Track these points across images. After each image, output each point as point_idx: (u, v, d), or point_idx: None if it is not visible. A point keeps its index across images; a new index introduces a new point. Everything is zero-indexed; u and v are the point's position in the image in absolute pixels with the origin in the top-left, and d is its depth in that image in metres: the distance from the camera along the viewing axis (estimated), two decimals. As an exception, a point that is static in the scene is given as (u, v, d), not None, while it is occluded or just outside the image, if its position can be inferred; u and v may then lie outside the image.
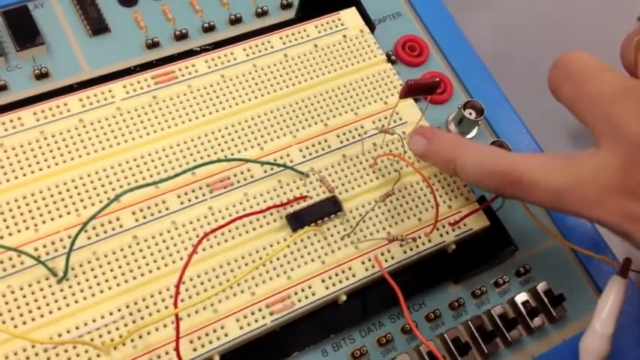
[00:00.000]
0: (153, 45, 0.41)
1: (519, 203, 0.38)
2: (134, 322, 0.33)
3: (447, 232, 0.38)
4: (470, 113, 0.42)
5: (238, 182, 0.37)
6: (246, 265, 0.35)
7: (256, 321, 0.34)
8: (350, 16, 0.43)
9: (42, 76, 0.39)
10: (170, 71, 0.39)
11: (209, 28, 0.42)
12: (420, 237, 0.37)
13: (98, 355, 0.32)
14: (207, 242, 0.35)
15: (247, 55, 0.40)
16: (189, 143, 0.37)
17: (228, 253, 0.35)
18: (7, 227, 0.34)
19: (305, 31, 0.42)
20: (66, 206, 0.34)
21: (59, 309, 0.32)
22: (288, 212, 0.36)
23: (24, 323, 0.32)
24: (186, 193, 0.36)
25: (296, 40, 0.41)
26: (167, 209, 0.35)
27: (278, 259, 0.35)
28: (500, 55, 0.51)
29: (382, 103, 0.41)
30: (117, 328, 0.33)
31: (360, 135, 0.39)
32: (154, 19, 0.42)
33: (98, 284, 0.33)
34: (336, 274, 0.36)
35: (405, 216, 0.38)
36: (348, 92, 0.40)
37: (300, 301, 0.35)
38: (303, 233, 0.35)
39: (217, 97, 0.38)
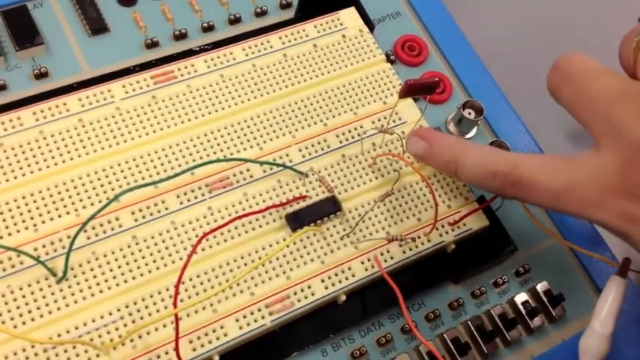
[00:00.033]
0: (152, 45, 0.41)
1: (519, 203, 0.38)
2: (134, 322, 0.33)
3: (447, 232, 0.38)
4: (469, 113, 0.42)
5: (238, 182, 0.37)
6: (245, 265, 0.35)
7: (256, 321, 0.34)
8: (349, 15, 0.43)
9: (41, 75, 0.39)
10: (169, 71, 0.39)
11: (208, 28, 0.42)
12: (419, 237, 0.37)
13: (98, 355, 0.32)
14: (207, 242, 0.35)
15: (246, 55, 0.40)
16: (189, 143, 0.37)
17: (227, 253, 0.35)
18: (7, 227, 0.33)
19: (304, 30, 0.42)
20: (65, 206, 0.34)
21: (59, 309, 0.32)
22: (288, 212, 0.36)
23: (23, 323, 0.32)
24: (185, 193, 0.36)
25: (295, 40, 0.41)
26: (166, 209, 0.35)
27: (277, 259, 0.35)
28: (500, 54, 0.51)
29: (381, 103, 0.41)
30: (116, 328, 0.33)
31: (359, 135, 0.39)
32: (153, 19, 0.42)
33: (98, 284, 0.33)
34: (336, 274, 0.36)
35: (405, 216, 0.38)
36: (348, 92, 0.40)
37: (299, 301, 0.35)
38: (302, 233, 0.35)
39: (216, 97, 0.38)
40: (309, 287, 0.35)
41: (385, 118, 0.40)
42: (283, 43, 0.41)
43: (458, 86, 0.45)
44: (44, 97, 0.37)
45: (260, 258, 0.35)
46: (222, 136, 0.38)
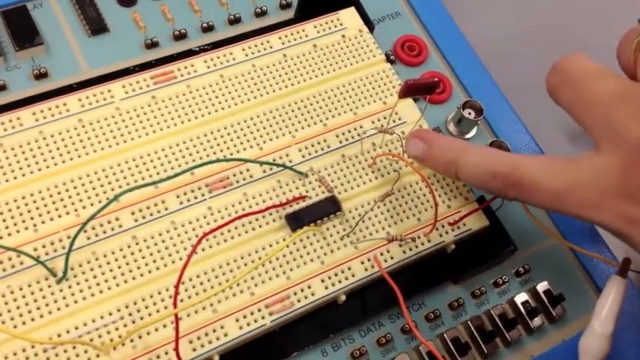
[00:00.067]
0: (152, 45, 0.41)
1: (519, 203, 0.38)
2: (134, 322, 0.33)
3: (447, 232, 0.38)
4: (469, 113, 0.42)
5: (237, 182, 0.37)
6: (245, 265, 0.35)
7: (256, 321, 0.34)
8: (349, 15, 0.43)
9: (41, 76, 0.39)
10: (169, 71, 0.39)
11: (208, 28, 0.42)
12: (419, 237, 0.37)
13: (98, 356, 0.32)
14: (207, 242, 0.35)
15: (246, 55, 0.40)
16: (189, 143, 0.37)
17: (227, 253, 0.35)
18: (7, 227, 0.33)
19: (304, 31, 0.42)
20: (65, 206, 0.34)
21: (59, 309, 0.32)
22: (288, 212, 0.36)
23: (23, 323, 0.32)
24: (185, 193, 0.36)
25: (295, 40, 0.41)
26: (166, 209, 0.35)
27: (277, 259, 0.35)
28: (500, 54, 0.51)
29: (381, 103, 0.41)
30: (116, 329, 0.33)
31: (359, 135, 0.39)
32: (153, 19, 0.42)
33: (97, 284, 0.33)
34: (336, 274, 0.36)
35: (405, 216, 0.38)
36: (347, 92, 0.40)
37: (299, 301, 0.35)
38: (302, 233, 0.35)
39: (216, 97, 0.38)
40: (309, 287, 0.35)
41: (385, 118, 0.40)
42: (283, 44, 0.41)
43: (458, 86, 0.45)
44: (44, 98, 0.37)
45: (260, 258, 0.35)
46: (222, 136, 0.38)
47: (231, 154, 0.37)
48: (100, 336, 0.32)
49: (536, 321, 0.38)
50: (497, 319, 0.38)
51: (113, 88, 0.38)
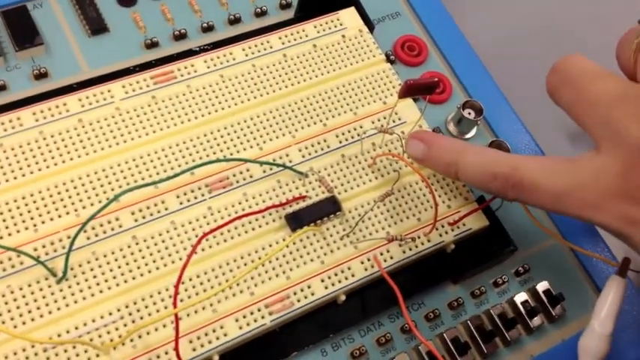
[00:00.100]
0: (152, 45, 0.41)
1: (518, 203, 0.38)
2: (133, 322, 0.33)
3: (446, 232, 0.38)
4: (469, 113, 0.42)
5: (237, 182, 0.37)
6: (245, 265, 0.35)
7: (255, 321, 0.34)
8: (349, 16, 0.43)
9: (41, 76, 0.39)
10: (169, 71, 0.39)
11: (208, 28, 0.42)
12: (419, 237, 0.37)
13: (98, 355, 0.32)
14: (207, 242, 0.35)
15: (246, 55, 0.40)
16: (189, 143, 0.37)
17: (227, 253, 0.35)
18: (7, 227, 0.34)
19: (304, 31, 0.42)
20: (65, 206, 0.34)
21: (59, 309, 0.32)
22: (288, 212, 0.36)
23: (23, 323, 0.32)
24: (185, 193, 0.36)
25: (295, 40, 0.41)
26: (166, 209, 0.35)
27: (277, 259, 0.35)
28: (500, 54, 0.51)
29: (381, 103, 0.41)
30: (116, 328, 0.33)
31: (359, 135, 0.39)
32: (153, 19, 0.42)
33: (97, 284, 0.33)
34: (336, 274, 0.36)
35: (404, 216, 0.38)
36: (347, 92, 0.40)
37: (299, 300, 0.35)
38: (302, 233, 0.35)
39: (216, 97, 0.39)
40: (308, 287, 0.35)
41: (385, 118, 0.40)
42: (283, 44, 0.41)
43: (457, 86, 0.45)
44: (44, 98, 0.37)
45: (260, 258, 0.35)
46: (221, 136, 0.38)
47: (231, 154, 0.37)
48: (99, 336, 0.32)
49: (536, 321, 0.38)
50: (496, 319, 0.38)
51: (113, 88, 0.38)
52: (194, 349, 0.33)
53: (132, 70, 0.39)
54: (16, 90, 0.38)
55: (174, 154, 0.37)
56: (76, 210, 0.34)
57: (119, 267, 0.34)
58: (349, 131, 0.39)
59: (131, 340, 0.32)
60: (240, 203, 0.36)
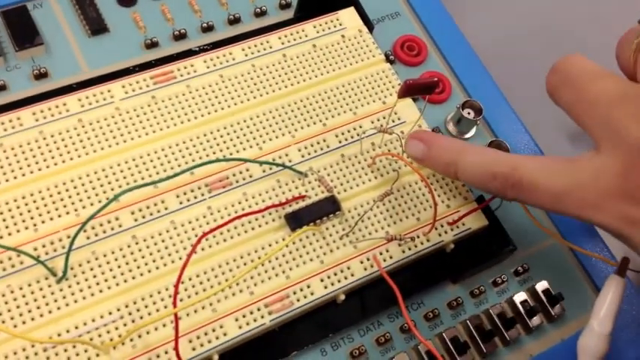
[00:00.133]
0: (152, 45, 0.41)
1: (518, 203, 0.38)
2: (133, 321, 0.33)
3: (446, 232, 0.38)
4: (468, 113, 0.42)
5: (237, 182, 0.37)
6: (244, 264, 0.35)
7: (255, 320, 0.34)
8: (348, 16, 0.43)
9: (41, 76, 0.39)
10: (169, 71, 0.39)
11: (208, 28, 0.42)
12: (418, 236, 0.37)
13: (97, 355, 0.32)
14: (206, 242, 0.35)
15: (246, 55, 0.40)
16: (188, 143, 0.37)
17: (227, 253, 0.35)
18: (7, 227, 0.34)
19: (303, 31, 0.42)
20: (65, 206, 0.34)
21: (58, 309, 0.33)
22: (287, 212, 0.36)
23: (23, 323, 0.32)
24: (185, 193, 0.36)
25: (294, 40, 0.41)
26: (166, 209, 0.35)
27: (277, 258, 0.35)
28: (499, 54, 0.51)
29: (381, 103, 0.41)
30: (116, 328, 0.33)
31: (358, 135, 0.39)
32: (152, 19, 0.42)
33: (97, 284, 0.33)
34: (335, 274, 0.36)
35: (404, 215, 0.38)
36: (347, 92, 0.40)
37: (298, 300, 0.35)
38: (301, 233, 0.35)
39: (216, 97, 0.39)
40: (308, 287, 0.35)
41: (384, 117, 0.40)
42: (282, 44, 0.41)
43: (457, 86, 0.45)
44: (44, 98, 0.37)
45: (259, 257, 0.35)
46: (221, 136, 0.38)
47: (231, 154, 0.37)
48: (99, 335, 0.32)
49: (535, 320, 0.38)
50: (496, 319, 0.38)
51: (113, 88, 0.38)
52: (194, 349, 0.33)
53: (132, 70, 0.39)
54: (16, 90, 0.38)
55: (174, 153, 0.37)
56: (75, 210, 0.35)
57: (119, 267, 0.34)
58: (349, 131, 0.39)
59: (131, 340, 0.32)
60: (239, 203, 0.36)
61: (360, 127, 0.40)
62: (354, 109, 0.40)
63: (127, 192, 0.33)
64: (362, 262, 0.36)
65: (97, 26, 0.41)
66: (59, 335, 0.32)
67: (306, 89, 0.40)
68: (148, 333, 0.33)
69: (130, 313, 0.33)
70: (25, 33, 0.39)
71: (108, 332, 0.32)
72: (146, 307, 0.33)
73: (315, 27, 0.42)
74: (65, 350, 0.31)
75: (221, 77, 0.39)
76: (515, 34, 0.60)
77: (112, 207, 0.35)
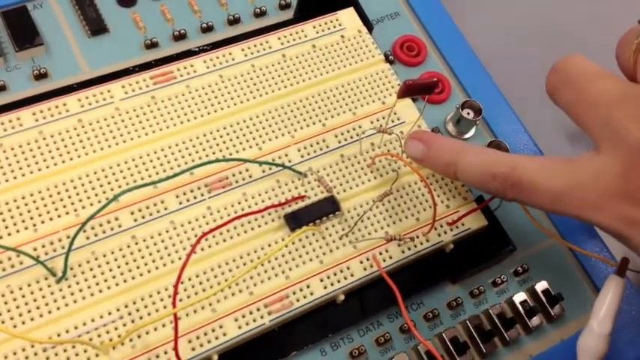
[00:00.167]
0: (151, 45, 0.41)
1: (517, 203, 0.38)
2: (133, 321, 0.33)
3: (445, 232, 0.38)
4: (468, 113, 0.42)
5: (237, 182, 0.37)
6: (244, 264, 0.35)
7: (254, 320, 0.34)
8: (348, 16, 0.43)
9: (41, 76, 0.39)
10: (168, 71, 0.39)
11: (207, 29, 0.42)
12: (417, 237, 0.37)
13: (97, 355, 0.32)
14: (206, 242, 0.35)
15: (245, 56, 0.40)
16: (188, 143, 0.37)
17: (226, 253, 0.35)
18: (7, 227, 0.34)
19: (303, 31, 0.42)
20: (65, 206, 0.34)
21: (58, 309, 0.33)
22: (287, 212, 0.36)
23: (23, 323, 0.32)
24: (184, 193, 0.36)
25: (294, 40, 0.41)
26: (166, 209, 0.35)
27: (276, 258, 0.35)
28: (499, 54, 0.51)
29: (380, 103, 0.41)
30: (116, 328, 0.33)
31: (358, 135, 0.39)
32: (152, 20, 0.42)
33: (97, 284, 0.33)
34: (335, 274, 0.36)
35: (403, 216, 0.38)
36: (346, 92, 0.40)
37: (298, 300, 0.35)
38: (301, 233, 0.35)
39: (216, 98, 0.39)
40: (307, 287, 0.35)
41: (384, 118, 0.40)
42: (282, 44, 0.41)
43: (457, 86, 0.45)
44: (44, 98, 0.37)
45: (259, 258, 0.35)
46: (221, 137, 0.38)
47: (231, 154, 0.37)
48: (99, 335, 0.32)
49: (535, 320, 0.38)
50: (495, 319, 0.38)
51: (113, 88, 0.38)
52: (193, 349, 0.33)
53: (131, 71, 0.39)
54: (16, 90, 0.38)
55: (174, 154, 0.37)
56: (75, 210, 0.35)
57: (118, 267, 0.34)
58: (348, 131, 0.39)
59: (130, 340, 0.32)
60: (239, 203, 0.36)
61: (360, 127, 0.40)
62: (354, 109, 0.40)
63: (127, 192, 0.33)
64: (361, 262, 0.36)
65: (96, 26, 0.41)
66: (59, 335, 0.32)
67: (305, 89, 0.40)
68: (147, 333, 0.33)
69: (129, 314, 0.33)
70: (25, 33, 0.39)
71: (107, 332, 0.32)
72: (146, 307, 0.33)
73: (314, 27, 0.42)
74: (65, 350, 0.31)
75: (221, 77, 0.39)
76: (514, 34, 0.60)
77: (111, 207, 0.35)
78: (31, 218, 0.34)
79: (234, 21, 0.43)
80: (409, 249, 0.37)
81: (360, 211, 0.37)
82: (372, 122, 0.40)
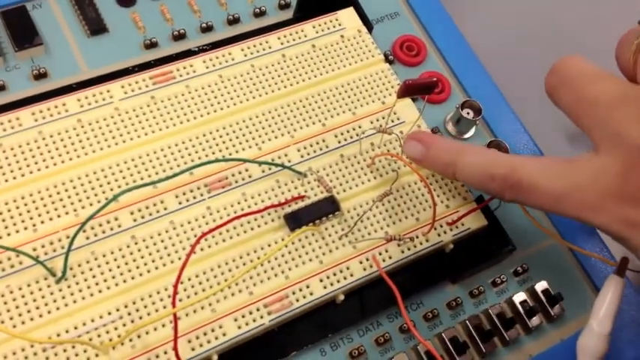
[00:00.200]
0: (151, 45, 0.41)
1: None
2: (132, 321, 0.33)
3: (445, 232, 0.38)
4: (467, 113, 0.42)
5: (236, 182, 0.37)
6: (244, 264, 0.35)
7: (254, 320, 0.34)
8: (348, 16, 0.43)
9: (40, 76, 0.39)
10: (168, 71, 0.39)
11: (207, 29, 0.42)
12: (417, 237, 0.37)
13: (97, 355, 0.32)
14: (205, 242, 0.35)
15: (245, 56, 0.40)
16: (187, 143, 0.37)
17: (226, 253, 0.35)
18: (6, 227, 0.34)
19: (303, 31, 0.42)
20: (64, 206, 0.34)
21: (58, 309, 0.33)
22: (286, 212, 0.36)
23: (23, 323, 0.32)
24: (184, 193, 0.36)
25: (294, 40, 0.41)
26: (165, 209, 0.35)
27: (276, 258, 0.35)
28: (499, 54, 0.51)
29: (380, 103, 0.41)
30: (115, 328, 0.33)
31: (357, 135, 0.39)
32: (152, 20, 0.42)
33: (97, 284, 0.33)
34: (334, 274, 0.36)
35: (403, 216, 0.38)
36: (346, 92, 0.40)
37: (298, 300, 0.35)
38: (300, 233, 0.35)
39: (215, 98, 0.39)
40: (307, 287, 0.35)
41: (384, 118, 0.40)
42: (282, 44, 0.41)
43: (456, 86, 0.45)
44: (43, 98, 0.37)
45: (259, 258, 0.35)
46: (220, 137, 0.38)
47: (230, 154, 0.37)
48: (99, 335, 0.32)
49: (535, 320, 0.38)
50: (495, 319, 0.38)
51: (112, 88, 0.38)
52: (193, 349, 0.33)
53: (131, 71, 0.39)
54: (16, 90, 0.38)
55: (173, 154, 0.37)
56: (75, 210, 0.35)
57: (118, 267, 0.34)
58: (348, 131, 0.39)
59: (130, 340, 0.32)
60: (239, 203, 0.36)
61: (360, 127, 0.40)
62: (354, 109, 0.40)
63: (127, 192, 0.33)
64: (361, 263, 0.36)
65: (96, 26, 0.41)
66: (58, 335, 0.32)
67: (305, 89, 0.40)
68: (147, 333, 0.33)
69: (129, 314, 0.33)
70: (25, 33, 0.39)
71: (107, 332, 0.32)
72: (145, 307, 0.33)
73: (314, 27, 0.42)
74: (64, 350, 0.31)
75: (220, 77, 0.39)
76: (514, 35, 0.60)
77: (111, 207, 0.35)
78: (31, 218, 0.34)
79: (233, 21, 0.43)
80: (409, 249, 0.37)
81: (360, 211, 0.37)
82: (371, 122, 0.40)
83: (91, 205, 0.35)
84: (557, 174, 0.32)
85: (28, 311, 0.32)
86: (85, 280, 0.33)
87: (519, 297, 0.38)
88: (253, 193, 0.37)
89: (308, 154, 0.38)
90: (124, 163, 0.36)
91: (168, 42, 0.42)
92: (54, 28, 0.40)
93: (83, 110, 0.37)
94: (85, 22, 0.41)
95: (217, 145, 0.37)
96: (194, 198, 0.36)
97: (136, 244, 0.34)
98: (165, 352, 0.32)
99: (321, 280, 0.35)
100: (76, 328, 0.32)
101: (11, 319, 0.32)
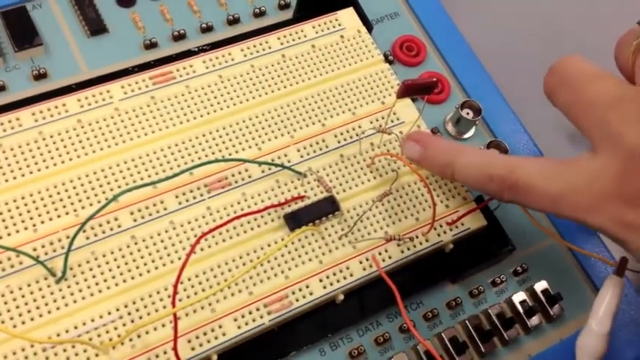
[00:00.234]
0: (151, 45, 0.41)
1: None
2: (132, 321, 0.33)
3: (445, 232, 0.38)
4: (467, 113, 0.42)
5: (236, 182, 0.37)
6: (243, 264, 0.35)
7: (254, 320, 0.34)
8: (347, 16, 0.43)
9: (40, 76, 0.39)
10: (168, 72, 0.39)
11: (207, 29, 0.42)
12: (417, 236, 0.37)
13: (97, 355, 0.32)
14: (205, 242, 0.35)
15: (245, 56, 0.40)
16: (187, 143, 0.37)
17: (225, 253, 0.35)
18: (6, 227, 0.34)
19: (302, 31, 0.42)
20: (64, 206, 0.35)
21: (58, 309, 0.33)
22: (286, 212, 0.36)
23: (23, 323, 0.32)
24: (184, 193, 0.36)
25: (293, 40, 0.41)
26: (165, 209, 0.35)
27: (276, 258, 0.35)
28: (498, 54, 0.51)
29: (380, 103, 0.41)
30: (115, 328, 0.33)
31: (357, 135, 0.39)
32: (152, 20, 0.42)
33: (97, 284, 0.33)
34: (334, 274, 0.36)
35: (403, 216, 0.38)
36: (346, 92, 0.40)
37: (297, 300, 0.35)
38: (300, 233, 0.36)
39: (215, 98, 0.39)
40: (307, 287, 0.35)
41: (383, 118, 0.40)
42: (282, 44, 0.41)
43: (456, 86, 0.45)
44: (43, 98, 0.37)
45: (258, 257, 0.35)
46: (220, 137, 0.38)
47: (230, 155, 0.37)
48: (99, 335, 0.32)
49: (534, 320, 0.38)
50: (494, 319, 0.38)
51: (112, 88, 0.38)
52: (193, 349, 0.33)
53: (131, 71, 0.39)
54: (16, 90, 0.38)
55: (173, 154, 0.37)
56: (75, 210, 0.35)
57: (118, 267, 0.34)
58: (348, 131, 0.39)
59: (130, 340, 0.32)
60: (238, 203, 0.36)
61: (359, 127, 0.40)
62: (353, 109, 0.40)
63: (126, 192, 0.33)
64: (361, 262, 0.36)
65: (96, 27, 0.41)
66: (58, 335, 0.32)
67: (305, 89, 0.40)
68: (147, 333, 0.33)
69: (129, 314, 0.33)
70: (25, 33, 0.39)
71: (107, 332, 0.33)
72: (145, 307, 0.33)
73: (314, 27, 0.42)
74: (64, 350, 0.32)
75: (220, 78, 0.39)
76: (514, 35, 0.60)
77: (111, 207, 0.35)
78: (31, 218, 0.34)
79: (233, 21, 0.43)
80: (408, 249, 0.37)
81: (360, 211, 0.37)
82: (371, 122, 0.40)
83: (91, 205, 0.35)
84: (555, 175, 0.32)
85: (28, 311, 0.32)
86: (85, 280, 0.33)
87: (519, 297, 0.39)
88: (253, 193, 0.37)
89: (308, 154, 0.38)
90: (124, 164, 0.36)
91: (168, 42, 0.42)
92: (54, 29, 0.40)
93: (83, 110, 0.37)
94: (85, 22, 0.41)
95: (217, 145, 0.37)
96: (194, 198, 0.36)
97: (135, 244, 0.34)
98: (165, 352, 0.32)
99: (320, 280, 0.35)
100: (76, 327, 0.32)
101: (11, 319, 0.32)
